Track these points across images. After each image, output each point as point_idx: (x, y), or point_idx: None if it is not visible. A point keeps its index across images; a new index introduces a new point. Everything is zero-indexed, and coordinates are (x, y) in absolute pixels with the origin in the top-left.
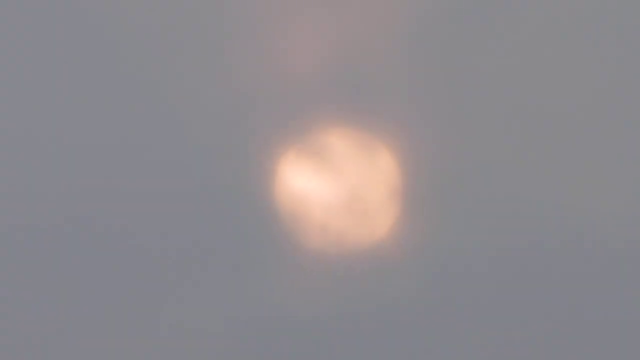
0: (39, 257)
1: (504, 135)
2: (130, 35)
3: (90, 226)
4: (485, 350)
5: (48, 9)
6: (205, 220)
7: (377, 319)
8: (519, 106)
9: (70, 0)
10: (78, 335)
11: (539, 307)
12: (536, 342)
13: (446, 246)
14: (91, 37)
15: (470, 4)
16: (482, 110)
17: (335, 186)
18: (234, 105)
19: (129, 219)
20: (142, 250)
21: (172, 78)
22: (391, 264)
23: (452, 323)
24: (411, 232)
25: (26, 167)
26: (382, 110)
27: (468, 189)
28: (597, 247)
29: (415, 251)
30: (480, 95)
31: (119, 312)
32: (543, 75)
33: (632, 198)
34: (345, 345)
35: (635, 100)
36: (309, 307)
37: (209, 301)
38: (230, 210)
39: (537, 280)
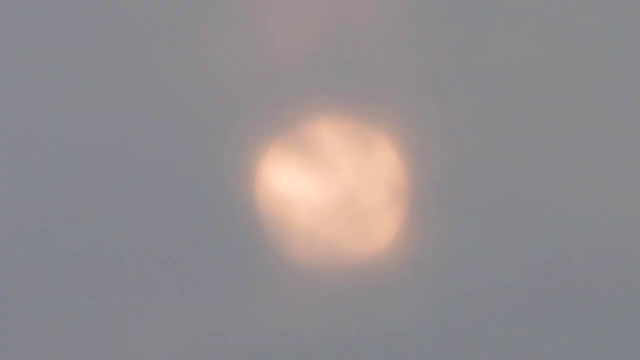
0: None
1: (527, 125)
2: (105, 27)
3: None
4: None
5: (34, 10)
6: (170, 229)
7: (377, 348)
8: (542, 96)
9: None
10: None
11: (575, 336)
12: None
13: (459, 259)
14: (72, 35)
15: None
16: (503, 94)
17: (327, 187)
18: (204, 91)
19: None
20: (90, 267)
21: (143, 64)
22: (393, 281)
23: (465, 355)
24: (417, 242)
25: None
26: (381, 97)
27: (485, 189)
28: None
29: (423, 265)
30: (497, 77)
31: (83, 334)
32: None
33: None
34: None
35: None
36: (295, 333)
37: (176, 327)
38: (201, 216)
39: (571, 299)
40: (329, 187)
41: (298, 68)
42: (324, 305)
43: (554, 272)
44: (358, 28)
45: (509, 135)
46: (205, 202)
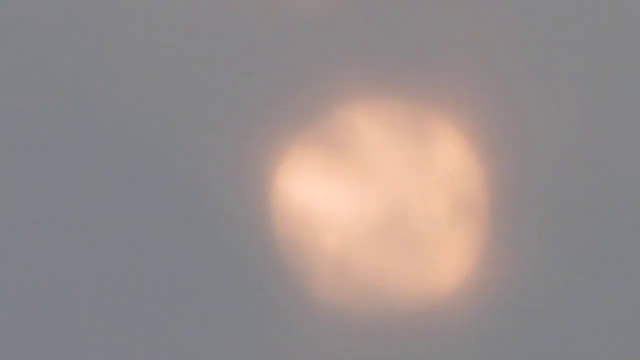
0: None
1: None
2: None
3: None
4: None
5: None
6: (161, 250)
7: None
8: None
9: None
10: None
11: None
12: None
13: (550, 299)
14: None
15: None
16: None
17: (364, 200)
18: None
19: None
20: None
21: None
22: (452, 320)
23: None
24: (490, 274)
25: None
26: (437, 78)
27: (584, 202)
28: None
29: (496, 307)
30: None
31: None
32: None
33: None
34: None
35: None
36: None
37: None
38: (202, 236)
39: None
40: (368, 199)
41: (323, 31)
42: (360, 348)
43: None
44: None
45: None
46: (206, 220)
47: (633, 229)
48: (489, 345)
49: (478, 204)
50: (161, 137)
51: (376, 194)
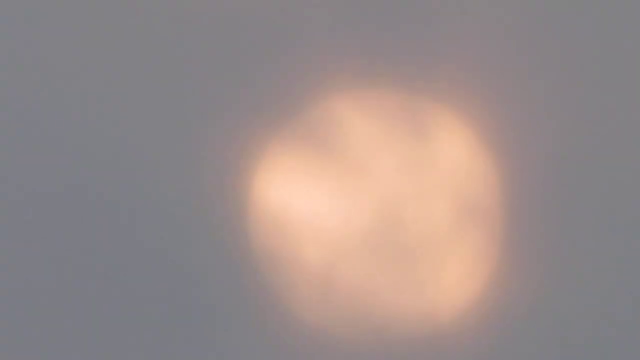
0: None
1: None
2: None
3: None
4: None
5: None
6: (138, 259)
7: None
8: None
9: None
10: None
11: None
12: None
13: (564, 322)
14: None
15: None
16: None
17: (352, 203)
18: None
19: None
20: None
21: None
22: (454, 348)
23: None
24: (498, 292)
25: None
26: (441, 67)
27: (602, 207)
28: None
29: (506, 330)
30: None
31: None
32: None
33: None
34: None
35: None
36: None
37: None
38: (178, 242)
39: None
40: (357, 204)
41: (312, 20)
42: None
43: None
44: None
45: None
46: (183, 225)
47: None
48: None
49: (485, 208)
50: (139, 140)
51: (367, 197)
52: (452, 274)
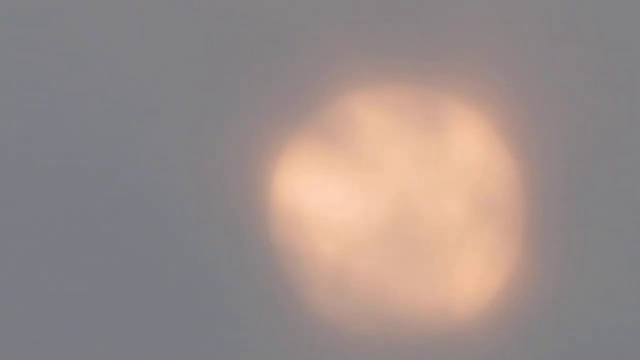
0: None
1: None
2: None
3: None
4: None
5: None
6: (148, 253)
7: None
8: None
9: None
10: None
11: None
12: None
13: (587, 321)
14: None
15: None
16: None
17: (367, 198)
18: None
19: None
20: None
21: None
22: (470, 345)
23: None
24: (511, 282)
25: None
26: (451, 63)
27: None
28: None
29: (521, 320)
30: None
31: None
32: None
33: None
34: None
35: None
36: None
37: None
38: (197, 237)
39: None
40: (372, 199)
41: (328, 19)
42: None
43: None
44: None
45: None
46: (198, 224)
47: None
48: None
49: (501, 204)
50: (157, 139)
51: (383, 192)
52: (467, 269)
